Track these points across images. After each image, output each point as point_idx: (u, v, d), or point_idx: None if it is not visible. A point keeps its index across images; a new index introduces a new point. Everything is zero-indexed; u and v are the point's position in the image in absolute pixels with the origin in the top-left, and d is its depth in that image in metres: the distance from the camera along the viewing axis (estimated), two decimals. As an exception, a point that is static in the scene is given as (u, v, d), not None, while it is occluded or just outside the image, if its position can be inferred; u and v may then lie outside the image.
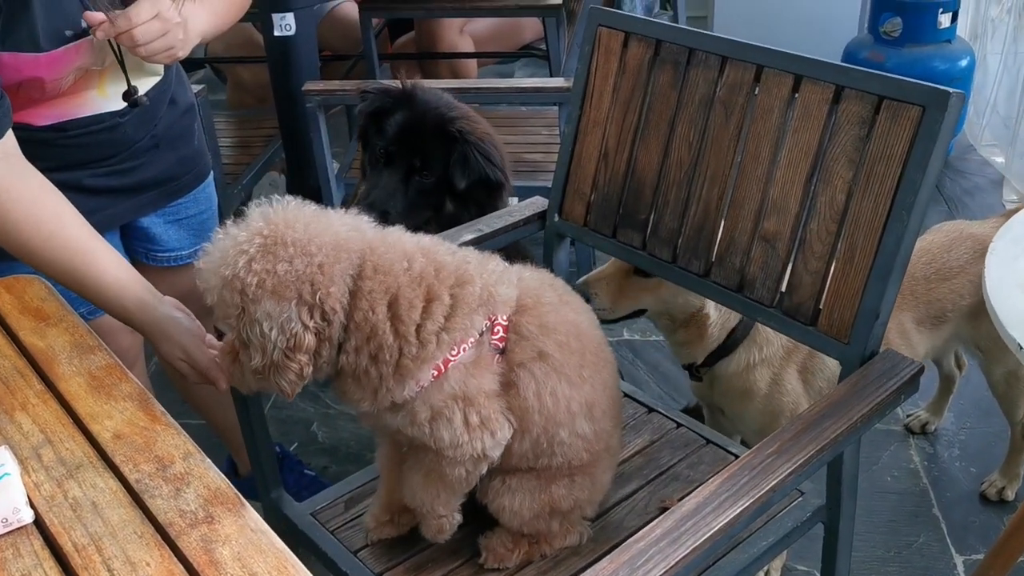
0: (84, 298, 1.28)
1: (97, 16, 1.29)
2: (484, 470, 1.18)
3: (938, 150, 1.14)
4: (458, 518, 1.25)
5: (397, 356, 1.08)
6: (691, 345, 1.68)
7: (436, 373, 1.10)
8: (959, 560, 1.91)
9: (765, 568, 1.82)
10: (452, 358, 1.10)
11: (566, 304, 1.23)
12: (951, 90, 1.13)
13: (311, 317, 1.04)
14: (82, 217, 1.28)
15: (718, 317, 1.64)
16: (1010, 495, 2.02)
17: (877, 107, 1.18)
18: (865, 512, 1.94)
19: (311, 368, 1.08)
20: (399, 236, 1.15)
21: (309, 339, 1.05)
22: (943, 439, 2.23)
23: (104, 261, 1.27)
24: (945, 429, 2.25)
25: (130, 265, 1.31)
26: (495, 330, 1.14)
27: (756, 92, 1.32)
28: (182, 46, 1.37)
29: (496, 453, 1.16)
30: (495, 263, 1.19)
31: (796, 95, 1.27)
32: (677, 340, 1.70)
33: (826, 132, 1.24)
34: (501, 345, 1.14)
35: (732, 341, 1.66)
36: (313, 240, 1.05)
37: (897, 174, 1.16)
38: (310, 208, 1.09)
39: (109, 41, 1.34)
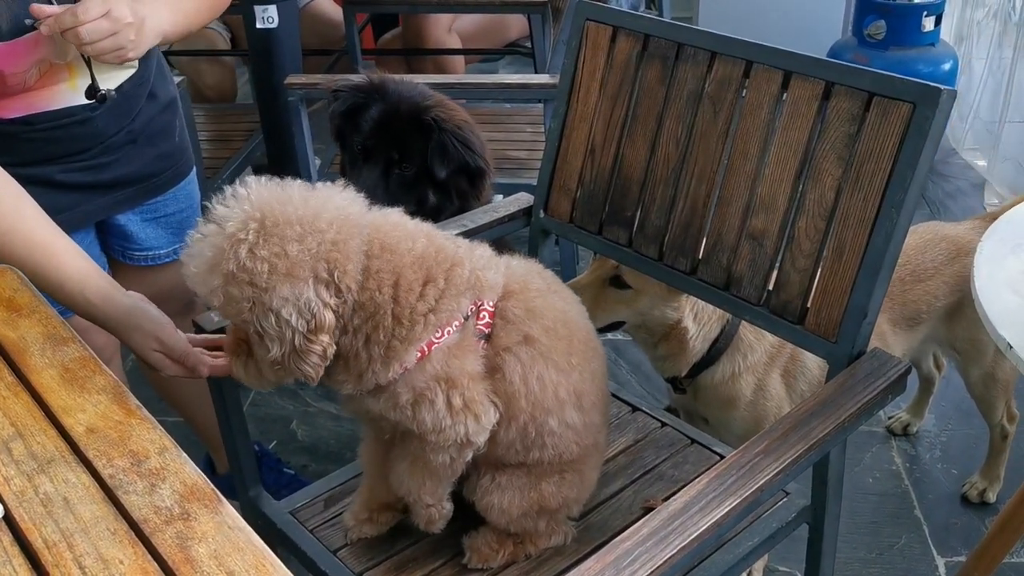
0: (47, 294, 1.24)
1: (45, 9, 1.25)
2: (469, 457, 1.16)
3: (928, 147, 1.13)
4: (448, 507, 1.23)
5: (389, 337, 1.06)
6: (673, 359, 1.67)
7: (420, 355, 1.08)
8: (941, 562, 1.91)
9: (747, 569, 1.81)
10: (436, 340, 1.08)
11: (554, 292, 1.21)
12: (942, 87, 1.12)
13: (330, 294, 1.01)
14: (43, 211, 1.23)
15: (697, 330, 1.62)
16: (991, 497, 2.03)
17: (867, 104, 1.17)
18: (847, 513, 1.93)
19: (334, 347, 1.04)
20: (400, 216, 1.13)
21: (329, 317, 1.01)
22: (924, 441, 2.23)
23: (65, 255, 1.22)
24: (926, 431, 2.26)
25: (92, 261, 1.26)
26: (480, 315, 1.12)
27: (745, 88, 1.31)
28: (133, 47, 1.32)
29: (481, 439, 1.13)
30: (483, 249, 1.17)
31: (785, 91, 1.26)
32: (658, 355, 1.69)
33: (815, 129, 1.23)
34: (487, 330, 1.13)
35: (715, 351, 1.65)
36: (320, 215, 1.02)
37: (887, 171, 1.16)
38: (293, 184, 1.06)
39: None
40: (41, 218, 1.23)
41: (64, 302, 1.23)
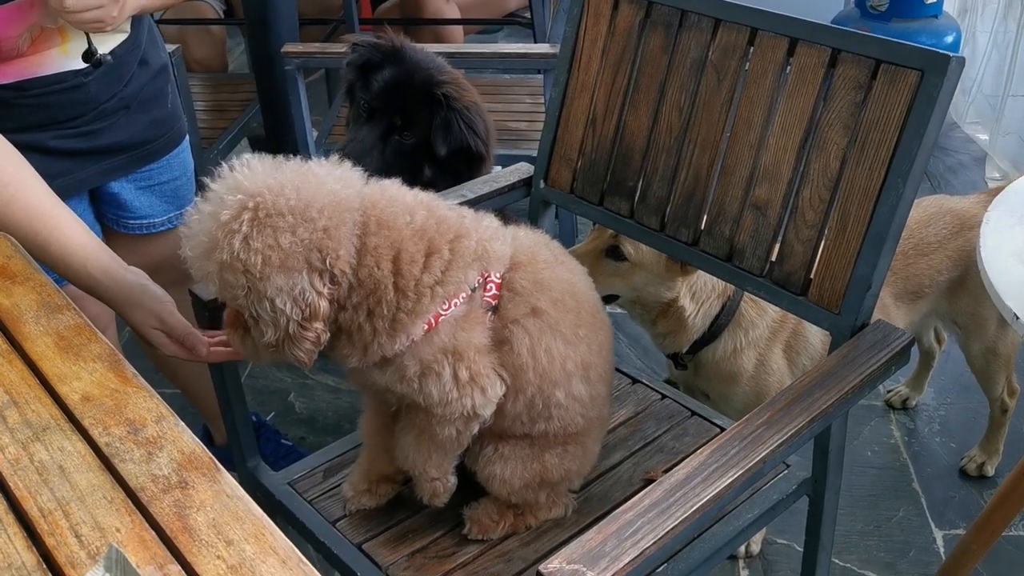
0: (45, 265, 1.22)
1: None
2: (475, 430, 1.15)
3: (936, 116, 1.11)
4: (453, 480, 1.22)
5: (394, 311, 1.05)
6: (673, 336, 1.66)
7: (427, 327, 1.07)
8: (939, 535, 1.91)
9: (745, 542, 1.81)
10: (443, 312, 1.07)
11: (561, 264, 1.20)
12: (951, 54, 1.10)
13: (323, 283, 1.01)
14: (44, 182, 1.22)
15: (695, 308, 1.61)
16: (990, 470, 2.03)
17: (874, 71, 1.15)
18: (845, 487, 1.92)
19: (327, 334, 1.04)
20: (398, 189, 1.11)
21: (324, 305, 1.01)
22: (923, 414, 2.23)
23: (68, 228, 1.20)
24: (925, 404, 2.25)
25: (94, 233, 1.25)
26: (487, 287, 1.10)
27: (749, 56, 1.28)
28: (112, 22, 1.32)
29: (487, 411, 1.13)
30: (490, 220, 1.15)
31: (790, 59, 1.24)
32: (657, 332, 1.68)
33: (821, 97, 1.21)
34: (494, 302, 1.11)
35: (716, 328, 1.64)
36: (311, 205, 1.01)
37: (893, 141, 1.14)
38: (288, 165, 1.04)
39: None
40: (43, 189, 1.21)
41: (65, 274, 1.21)
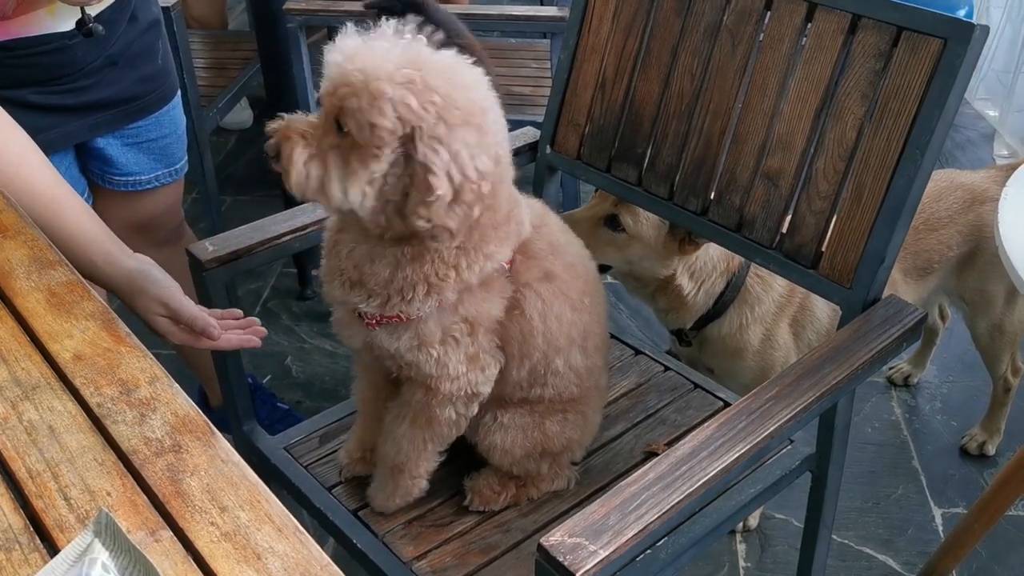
0: None
1: None
2: (475, 411, 1.13)
3: (957, 87, 1.08)
4: (424, 485, 1.20)
5: (462, 249, 1.02)
6: (675, 312, 1.63)
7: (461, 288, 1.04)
8: (938, 513, 1.90)
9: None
10: (475, 281, 1.04)
11: (566, 231, 1.18)
12: (975, 23, 1.06)
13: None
14: (48, 161, 1.18)
15: (694, 287, 1.58)
16: (991, 449, 2.01)
17: (895, 39, 1.12)
18: (845, 463, 1.92)
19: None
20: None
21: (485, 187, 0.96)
22: (925, 392, 2.22)
23: (71, 212, 1.16)
24: (927, 382, 2.24)
25: (98, 218, 1.19)
26: None
27: (766, 20, 1.25)
28: None
29: (486, 389, 1.11)
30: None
31: (809, 24, 1.20)
32: (659, 308, 1.66)
33: (839, 64, 1.17)
34: (508, 266, 1.08)
35: (721, 304, 1.61)
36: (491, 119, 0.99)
37: (913, 111, 1.11)
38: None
39: None
40: (48, 170, 1.17)
41: (66, 259, 1.18)
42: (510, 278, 1.08)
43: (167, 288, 1.15)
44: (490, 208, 1.00)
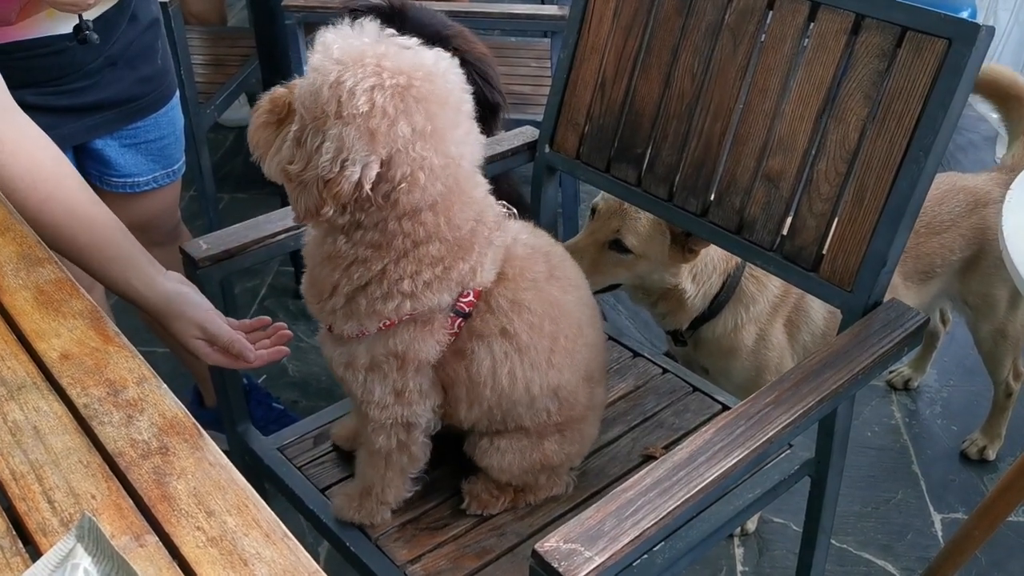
0: (81, 268, 1.15)
1: None
2: (420, 439, 1.12)
3: (962, 88, 1.07)
4: (387, 515, 1.18)
5: (383, 273, 1.00)
6: (673, 315, 1.63)
7: (386, 324, 1.03)
8: (937, 518, 1.88)
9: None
10: (409, 316, 1.02)
11: (555, 279, 1.12)
12: (980, 23, 1.05)
13: (368, 175, 0.92)
14: (83, 180, 1.16)
15: (696, 290, 1.58)
16: (991, 455, 2.00)
17: (899, 39, 1.10)
18: (844, 467, 1.91)
19: (332, 214, 0.95)
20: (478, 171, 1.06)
21: (347, 188, 0.92)
22: (925, 396, 2.20)
23: (109, 231, 1.14)
24: (927, 386, 2.22)
25: (131, 235, 1.18)
26: (465, 292, 1.04)
27: (768, 19, 1.23)
28: (86, 6, 1.27)
29: (423, 420, 1.10)
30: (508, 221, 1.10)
31: (812, 24, 1.19)
32: (657, 312, 1.66)
33: (842, 65, 1.16)
34: (467, 309, 1.05)
35: (716, 305, 1.60)
36: (441, 115, 0.95)
37: (916, 112, 1.09)
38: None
39: None
40: (84, 188, 1.15)
41: (103, 281, 1.17)
42: (464, 325, 1.06)
43: (205, 312, 1.16)
44: (433, 210, 0.98)
